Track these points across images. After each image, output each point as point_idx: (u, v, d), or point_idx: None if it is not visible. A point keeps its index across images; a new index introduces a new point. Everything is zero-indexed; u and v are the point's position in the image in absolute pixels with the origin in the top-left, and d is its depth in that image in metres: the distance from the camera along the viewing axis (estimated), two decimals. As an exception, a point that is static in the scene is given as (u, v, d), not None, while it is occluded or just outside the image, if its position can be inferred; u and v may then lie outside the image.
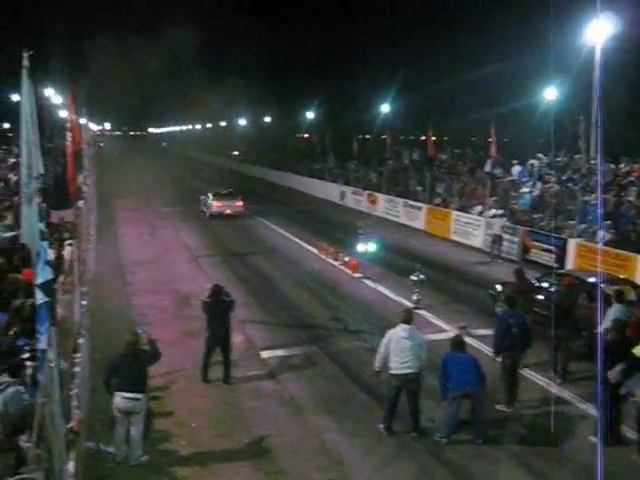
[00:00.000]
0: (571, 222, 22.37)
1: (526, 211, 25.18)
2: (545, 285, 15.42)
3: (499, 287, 16.74)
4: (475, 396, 10.06)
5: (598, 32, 24.71)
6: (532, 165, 28.69)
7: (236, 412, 11.07)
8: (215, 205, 33.19)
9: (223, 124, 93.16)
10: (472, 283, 19.90)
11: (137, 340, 9.64)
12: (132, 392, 9.25)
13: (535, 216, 24.29)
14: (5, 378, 7.51)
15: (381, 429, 10.39)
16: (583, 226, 21.70)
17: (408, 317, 10.58)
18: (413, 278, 16.82)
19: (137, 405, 9.32)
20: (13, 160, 27.24)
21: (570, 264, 20.55)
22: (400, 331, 10.33)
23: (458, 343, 10.43)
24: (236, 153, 73.30)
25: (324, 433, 10.40)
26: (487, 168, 28.66)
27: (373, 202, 35.68)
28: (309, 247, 25.23)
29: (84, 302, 12.70)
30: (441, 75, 42.87)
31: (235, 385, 12.14)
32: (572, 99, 30.90)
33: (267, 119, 73.99)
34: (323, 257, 23.29)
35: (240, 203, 33.76)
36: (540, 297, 14.83)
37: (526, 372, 12.56)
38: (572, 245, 21.12)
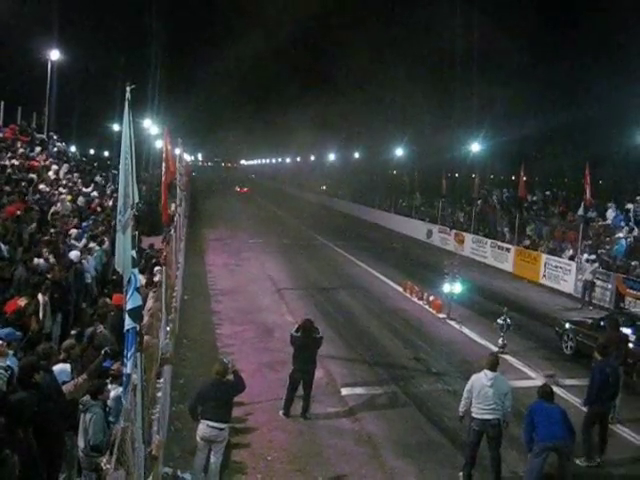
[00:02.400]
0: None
1: (620, 257, 24.20)
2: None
3: (567, 325, 16.83)
4: (563, 450, 9.53)
5: None
6: (628, 210, 27.62)
7: (313, 448, 10.94)
8: (237, 189, 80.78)
9: (312, 158, 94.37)
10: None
11: (225, 370, 9.67)
12: (216, 421, 9.28)
13: (632, 263, 23.28)
14: (86, 399, 7.70)
15: (460, 477, 10.03)
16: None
17: (494, 363, 10.13)
18: (499, 322, 16.33)
19: (220, 435, 9.33)
20: (110, 187, 28.33)
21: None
22: (484, 378, 9.96)
23: (546, 393, 9.95)
24: (324, 188, 74.03)
25: (402, 477, 10.12)
26: (580, 211, 27.80)
27: (460, 241, 35.18)
28: (393, 284, 24.98)
29: (169, 328, 12.98)
30: (534, 114, 42.09)
31: (313, 421, 12.02)
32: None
33: (356, 155, 74.42)
34: (407, 295, 23.00)
35: (246, 189, 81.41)
36: (635, 347, 14.11)
37: (618, 428, 11.95)
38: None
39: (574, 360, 16.08)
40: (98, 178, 30.10)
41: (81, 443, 7.52)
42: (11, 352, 8.33)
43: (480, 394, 9.87)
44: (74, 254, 15.10)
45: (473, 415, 9.96)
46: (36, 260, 13.33)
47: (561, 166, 45.58)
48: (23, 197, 17.69)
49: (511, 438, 10.60)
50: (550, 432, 9.40)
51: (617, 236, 25.56)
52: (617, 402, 11.84)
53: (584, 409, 11.16)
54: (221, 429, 9.32)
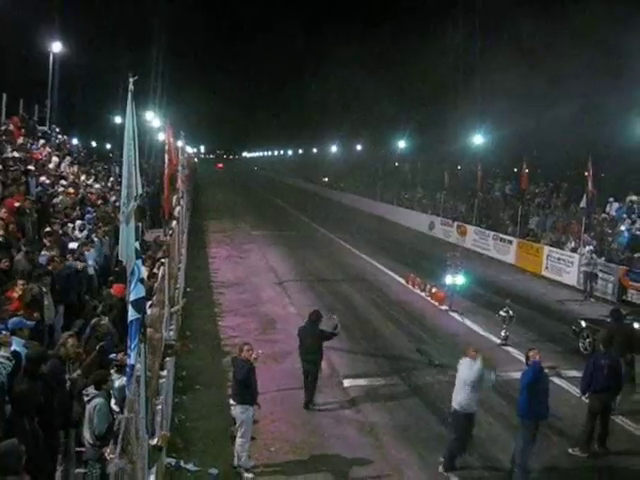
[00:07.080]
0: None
1: (623, 249, 24.17)
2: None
3: (583, 323, 16.65)
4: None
5: None
6: (631, 202, 27.57)
7: (316, 439, 10.98)
8: (216, 165, 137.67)
9: (315, 151, 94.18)
10: (563, 322, 19.09)
11: (240, 350, 10.12)
12: (231, 398, 9.94)
13: (635, 255, 23.24)
14: (90, 390, 7.72)
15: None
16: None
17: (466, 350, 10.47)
18: (502, 314, 16.36)
19: (233, 412, 9.90)
20: (112, 179, 28.32)
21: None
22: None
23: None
24: (326, 179, 73.97)
25: (404, 467, 10.16)
26: (582, 203, 27.76)
27: (463, 234, 35.14)
28: (396, 276, 25.00)
29: (172, 320, 13.00)
30: (536, 106, 41.83)
31: (316, 411, 12.07)
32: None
33: (358, 147, 74.26)
34: (410, 287, 23.01)
35: (222, 165, 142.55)
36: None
37: (620, 419, 11.97)
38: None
39: (576, 352, 16.10)
40: (99, 170, 30.08)
41: (86, 434, 7.54)
42: (23, 340, 8.42)
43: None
44: (74, 245, 15.08)
45: None
46: (42, 253, 13.32)
47: (564, 158, 45.37)
48: (24, 189, 17.63)
49: (506, 421, 10.62)
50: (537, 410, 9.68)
51: (619, 228, 25.55)
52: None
53: (584, 399, 11.20)
54: (232, 405, 9.89)
